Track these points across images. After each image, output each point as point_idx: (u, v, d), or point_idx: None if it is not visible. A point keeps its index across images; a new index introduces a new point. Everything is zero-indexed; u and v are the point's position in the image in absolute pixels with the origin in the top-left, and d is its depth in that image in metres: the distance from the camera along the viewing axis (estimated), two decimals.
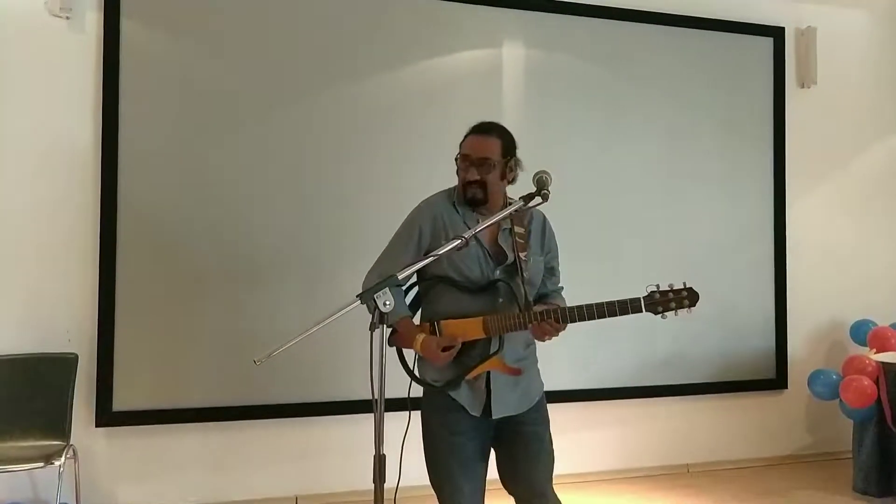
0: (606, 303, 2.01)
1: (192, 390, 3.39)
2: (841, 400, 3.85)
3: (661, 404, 4.11)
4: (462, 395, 2.12)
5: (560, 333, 2.07)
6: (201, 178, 3.44)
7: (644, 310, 2.01)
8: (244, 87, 3.51)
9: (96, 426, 3.30)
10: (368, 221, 3.59)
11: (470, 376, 2.10)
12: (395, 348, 2.18)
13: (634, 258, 4.02)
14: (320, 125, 3.60)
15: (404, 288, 2.22)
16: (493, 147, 2.16)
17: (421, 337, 2.11)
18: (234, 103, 3.49)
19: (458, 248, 1.90)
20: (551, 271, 2.31)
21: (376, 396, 1.69)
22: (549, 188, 2.00)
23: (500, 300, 2.13)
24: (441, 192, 2.26)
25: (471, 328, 2.10)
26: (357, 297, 1.68)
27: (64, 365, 3.20)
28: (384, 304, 1.67)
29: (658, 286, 2.02)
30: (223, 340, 3.42)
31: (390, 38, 3.71)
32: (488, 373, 2.11)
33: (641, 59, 4.11)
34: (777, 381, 4.34)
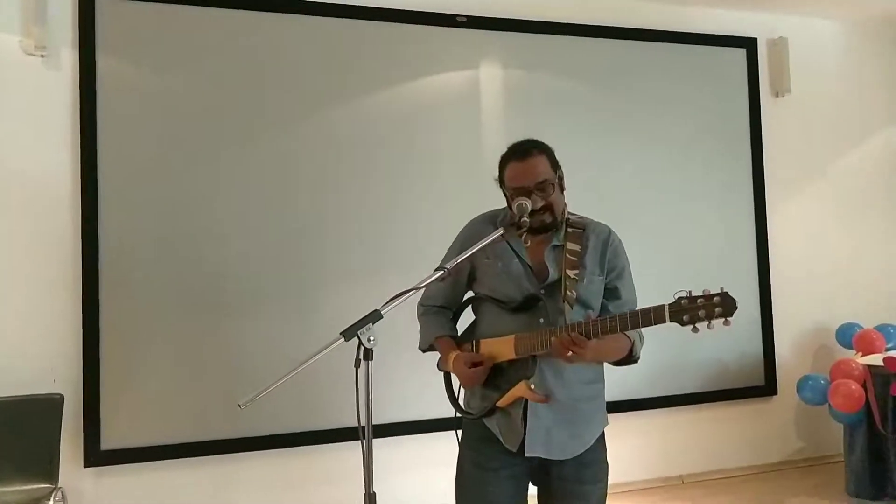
0: (630, 313, 1.78)
1: (181, 425, 3.36)
2: (830, 405, 3.88)
3: (651, 416, 4.11)
4: (495, 425, 1.97)
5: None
6: (182, 210, 3.43)
7: (668, 319, 1.69)
8: (222, 118, 3.50)
9: (84, 466, 3.25)
10: (352, 247, 3.61)
11: (501, 403, 1.94)
12: (444, 373, 2.14)
13: None
14: (299, 152, 3.60)
15: (449, 308, 2.17)
16: (543, 165, 1.99)
17: (453, 355, 2.02)
18: (213, 134, 3.49)
19: (441, 279, 1.83)
20: (613, 292, 2.05)
21: (364, 435, 1.66)
22: (528, 217, 1.89)
23: (541, 321, 1.93)
24: (486, 212, 2.15)
25: (503, 348, 1.96)
26: (341, 333, 1.66)
27: (49, 406, 3.15)
28: (368, 341, 1.66)
29: (690, 292, 1.69)
30: (210, 373, 3.40)
31: (366, 62, 3.72)
32: (526, 403, 1.93)
33: (618, 75, 4.15)
34: (766, 387, 4.36)
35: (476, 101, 3.89)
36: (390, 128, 3.74)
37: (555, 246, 2.02)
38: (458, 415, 2.11)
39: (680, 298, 1.69)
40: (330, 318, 3.41)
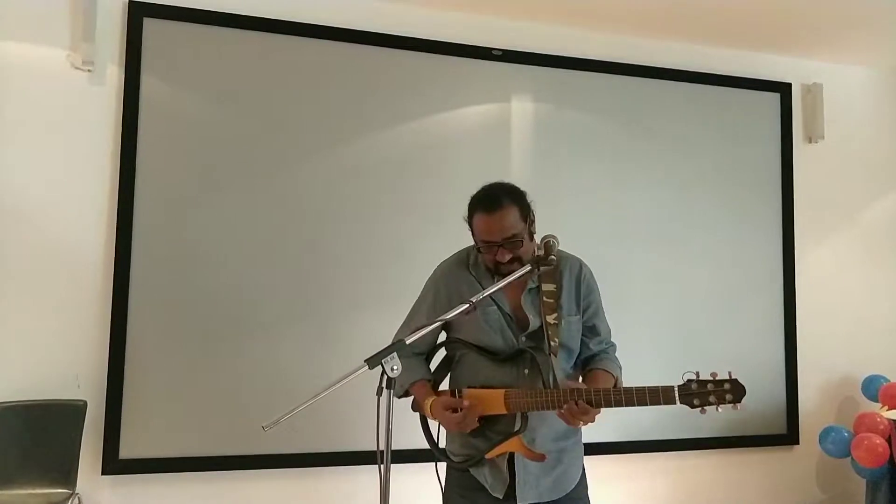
0: (636, 389, 1.79)
1: (200, 439, 3.39)
2: (853, 458, 3.80)
3: (669, 459, 4.06)
4: (483, 474, 1.98)
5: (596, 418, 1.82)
6: (213, 232, 3.49)
7: (678, 401, 1.74)
8: (256, 145, 3.57)
9: (102, 473, 3.28)
10: (377, 276, 3.62)
11: (489, 456, 1.94)
12: (419, 416, 2.11)
13: (642, 310, 4.02)
14: (330, 181, 3.65)
15: (422, 353, 2.14)
16: (512, 218, 1.93)
17: (430, 400, 2.00)
18: (247, 159, 3.55)
19: (466, 313, 1.82)
20: (592, 330, 2.07)
21: (383, 461, 1.67)
22: (556, 252, 1.91)
23: (526, 371, 1.93)
24: (455, 254, 2.16)
25: (492, 401, 1.93)
26: (365, 361, 1.68)
27: (72, 412, 3.20)
28: (391, 370, 1.67)
29: (697, 374, 1.74)
30: (231, 390, 3.43)
31: (397, 93, 3.78)
32: (512, 453, 1.94)
33: (650, 114, 4.17)
34: (788, 436, 4.28)
35: (506, 133, 3.93)
36: (421, 157, 3.78)
37: (531, 289, 2.00)
38: (442, 460, 2.10)
39: (689, 381, 1.73)
40: (353, 344, 3.46)
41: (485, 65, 3.90)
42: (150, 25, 3.45)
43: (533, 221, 2.01)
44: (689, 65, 4.25)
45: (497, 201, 1.94)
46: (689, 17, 3.95)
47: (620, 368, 2.08)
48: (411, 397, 2.13)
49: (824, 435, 3.99)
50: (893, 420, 3.71)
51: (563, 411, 1.82)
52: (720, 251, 4.23)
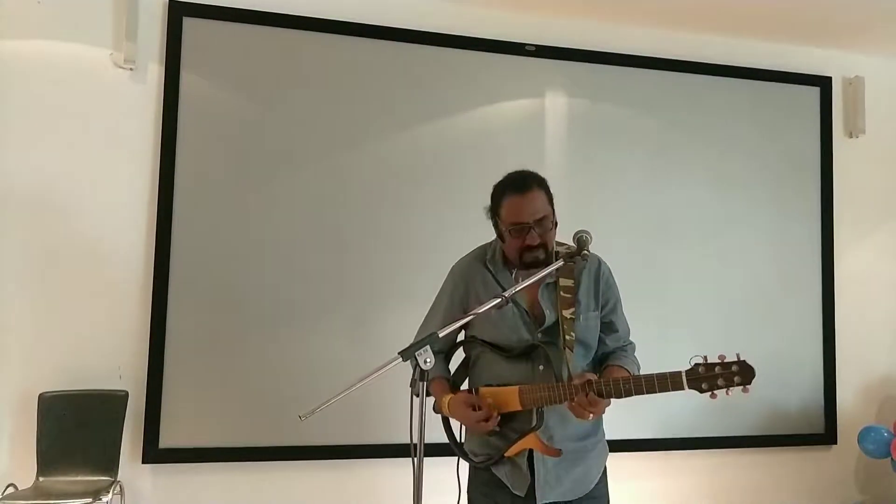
0: (644, 376, 1.76)
1: (236, 430, 3.45)
2: (893, 458, 3.73)
3: (705, 457, 4.02)
4: (503, 472, 1.97)
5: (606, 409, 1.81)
6: (251, 224, 3.55)
7: (686, 386, 1.70)
8: (293, 141, 3.62)
9: (143, 462, 3.37)
10: (412, 268, 3.64)
11: (508, 454, 1.93)
12: (441, 415, 2.10)
13: (679, 306, 3.99)
14: (365, 175, 3.69)
15: (441, 350, 2.12)
16: (542, 201, 1.94)
17: (448, 398, 1.99)
18: (284, 154, 3.61)
19: (498, 307, 1.81)
20: (609, 327, 2.04)
21: (416, 453, 1.70)
22: (589, 248, 1.90)
23: (540, 367, 1.91)
24: (473, 251, 2.15)
25: (507, 398, 1.92)
26: (399, 354, 1.70)
27: (114, 402, 3.29)
28: (425, 362, 1.68)
29: (705, 358, 1.68)
30: (267, 382, 3.49)
31: (432, 89, 3.80)
32: (531, 451, 1.93)
33: (687, 109, 4.12)
34: (826, 435, 4.21)
35: (540, 129, 3.93)
36: (455, 153, 3.80)
37: (548, 284, 1.98)
38: (464, 460, 2.10)
39: (697, 365, 1.68)
40: (386, 337, 3.47)
41: (518, 60, 3.90)
42: (190, 24, 3.52)
43: (554, 212, 2.01)
44: (726, 59, 4.19)
45: (527, 183, 1.96)
46: (726, 11, 3.89)
47: (639, 368, 2.04)
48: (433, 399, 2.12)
49: (864, 434, 3.92)
50: None
51: (573, 403, 1.80)
52: (758, 247, 4.17)
